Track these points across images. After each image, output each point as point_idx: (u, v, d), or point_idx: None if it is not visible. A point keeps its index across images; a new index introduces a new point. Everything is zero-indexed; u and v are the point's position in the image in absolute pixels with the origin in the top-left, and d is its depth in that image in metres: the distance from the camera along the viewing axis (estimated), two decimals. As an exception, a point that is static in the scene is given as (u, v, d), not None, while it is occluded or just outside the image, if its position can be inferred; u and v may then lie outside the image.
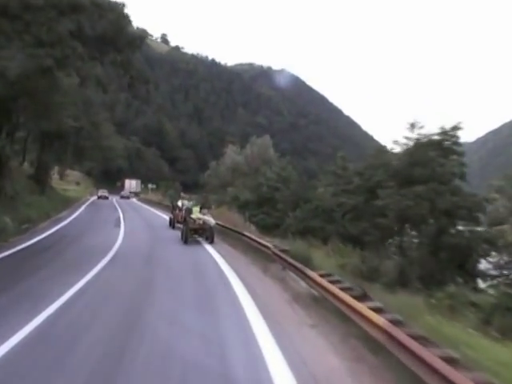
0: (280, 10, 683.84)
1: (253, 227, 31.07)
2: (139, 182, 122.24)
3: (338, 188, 38.70)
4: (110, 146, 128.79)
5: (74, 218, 37.98)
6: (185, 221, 24.26)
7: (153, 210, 53.04)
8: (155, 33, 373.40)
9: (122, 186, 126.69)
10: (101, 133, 57.53)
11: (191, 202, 28.31)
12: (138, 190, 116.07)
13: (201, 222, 23.36)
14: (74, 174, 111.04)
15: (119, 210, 48.25)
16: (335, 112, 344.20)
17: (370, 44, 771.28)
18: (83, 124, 47.39)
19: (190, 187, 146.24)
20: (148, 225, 35.20)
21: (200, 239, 23.60)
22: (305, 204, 38.02)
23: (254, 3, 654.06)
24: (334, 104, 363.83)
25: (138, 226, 33.67)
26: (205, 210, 24.82)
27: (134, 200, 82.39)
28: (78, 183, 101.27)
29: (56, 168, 76.68)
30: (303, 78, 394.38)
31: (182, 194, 41.77)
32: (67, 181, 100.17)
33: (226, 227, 25.29)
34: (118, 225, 32.35)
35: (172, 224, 30.96)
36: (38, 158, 47.75)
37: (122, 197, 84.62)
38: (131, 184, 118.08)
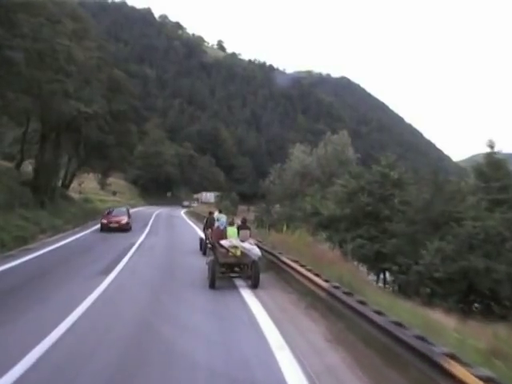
0: (339, 17, 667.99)
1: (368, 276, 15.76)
2: (212, 194, 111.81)
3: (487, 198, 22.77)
4: (158, 152, 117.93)
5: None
6: (213, 249, 15.21)
7: (194, 226, 38.63)
8: (211, 39, 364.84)
9: (174, 196, 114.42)
10: (125, 126, 43.53)
11: (222, 217, 19.21)
12: (212, 200, 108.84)
13: (237, 252, 14.26)
14: (118, 183, 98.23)
15: (147, 228, 34.68)
16: (396, 120, 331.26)
17: (429, 51, 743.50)
18: (100, 110, 33.42)
19: (247, 197, 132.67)
20: (172, 249, 24.06)
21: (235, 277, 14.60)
22: (447, 226, 22.17)
23: (311, 11, 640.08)
24: (395, 112, 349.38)
25: (157, 252, 22.56)
26: (245, 232, 15.39)
27: (182, 212, 68.19)
28: (114, 193, 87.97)
29: (89, 175, 63.10)
30: (363, 85, 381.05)
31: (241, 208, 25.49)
32: (109, 190, 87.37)
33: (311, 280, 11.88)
34: (123, 254, 19.90)
35: (203, 248, 21.53)
36: (36, 158, 34.04)
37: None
38: (206, 196, 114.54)
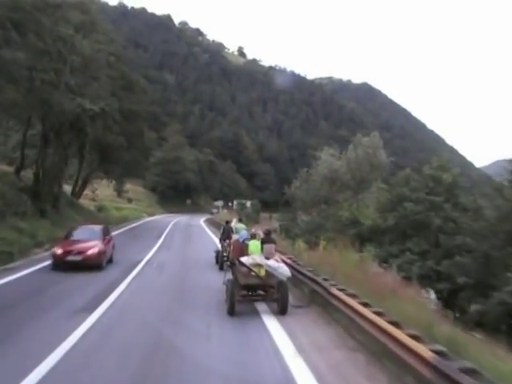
0: (360, 23, 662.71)
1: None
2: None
3: None
4: (178, 157, 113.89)
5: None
6: (231, 266, 12.17)
7: (214, 237, 34.43)
8: (232, 46, 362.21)
9: (194, 204, 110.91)
10: (137, 126, 39.44)
11: (241, 227, 17.97)
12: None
13: (261, 271, 11.58)
14: (135, 190, 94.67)
15: (160, 240, 30.42)
16: (419, 126, 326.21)
17: (450, 57, 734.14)
18: (108, 108, 29.47)
19: (269, 205, 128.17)
20: (185, 266, 20.32)
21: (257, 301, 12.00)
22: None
23: (332, 17, 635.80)
24: (417, 118, 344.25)
25: (167, 271, 18.46)
26: (270, 247, 12.18)
27: (201, 221, 64.11)
28: (129, 200, 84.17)
29: (105, 181, 59.37)
30: (384, 91, 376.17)
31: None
32: (126, 197, 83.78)
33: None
34: (122, 276, 16.08)
35: (219, 262, 18.90)
36: (37, 161, 30.13)
37: None
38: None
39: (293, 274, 12.66)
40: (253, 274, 11.66)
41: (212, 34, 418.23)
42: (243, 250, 12.68)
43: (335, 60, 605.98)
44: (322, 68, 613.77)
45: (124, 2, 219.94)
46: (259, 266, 11.69)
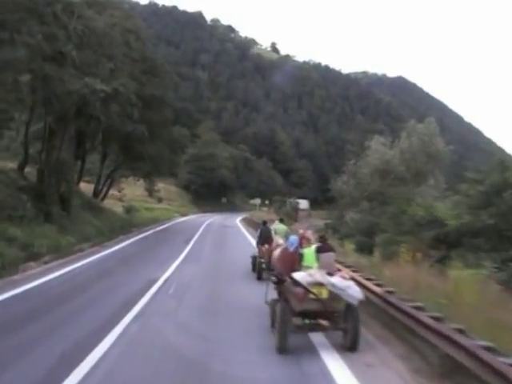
0: (393, 17, 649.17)
1: None
2: (305, 201, 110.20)
3: None
4: (211, 154, 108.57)
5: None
6: (278, 284, 9.45)
7: (252, 240, 28.98)
8: (264, 42, 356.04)
9: (229, 203, 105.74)
10: (160, 114, 33.86)
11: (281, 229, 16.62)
12: (306, 207, 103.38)
13: (323, 293, 8.69)
14: (168, 190, 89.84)
15: (188, 247, 24.72)
16: (456, 119, 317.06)
17: (484, 47, 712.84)
18: (123, 88, 24.13)
19: (316, 204, 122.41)
20: (217, 284, 15.56)
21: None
22: None
23: (363, 11, 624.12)
24: (454, 110, 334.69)
25: (192, 294, 13.57)
26: (328, 257, 9.44)
27: (237, 221, 58.69)
28: (159, 200, 79.03)
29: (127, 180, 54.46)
30: (420, 84, 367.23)
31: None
32: (157, 197, 78.94)
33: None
34: (124, 309, 10.86)
35: (257, 270, 16.06)
36: (40, 155, 25.03)
37: None
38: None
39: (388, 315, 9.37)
40: (312, 296, 8.59)
41: (244, 31, 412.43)
42: (295, 261, 9.43)
43: (369, 54, 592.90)
44: (357, 63, 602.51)
45: (155, 0, 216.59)
46: (320, 285, 8.58)
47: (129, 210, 54.17)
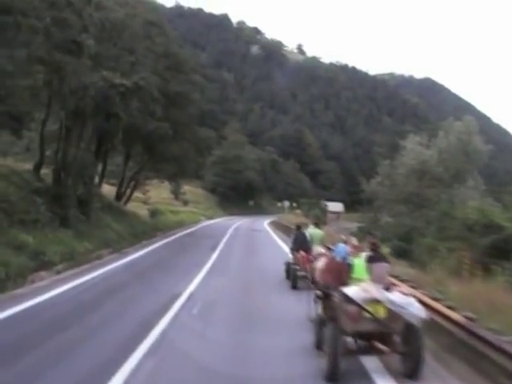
0: (420, 18, 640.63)
1: None
2: (339, 204, 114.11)
3: None
4: (238, 156, 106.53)
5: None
6: (324, 299, 8.35)
7: (284, 245, 26.89)
8: (290, 44, 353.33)
9: (256, 205, 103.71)
10: (185, 112, 31.86)
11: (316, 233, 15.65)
12: (340, 210, 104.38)
13: (380, 311, 7.28)
14: (194, 192, 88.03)
15: (215, 254, 22.35)
16: (484, 120, 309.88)
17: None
18: (144, 83, 22.21)
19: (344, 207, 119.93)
20: (250, 285, 15.44)
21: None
22: None
23: (389, 11, 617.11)
24: (482, 112, 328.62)
25: (221, 315, 11.26)
26: (381, 268, 7.93)
27: (266, 224, 56.52)
28: (185, 202, 77.14)
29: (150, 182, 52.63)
30: (448, 85, 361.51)
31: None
32: (183, 200, 77.20)
33: None
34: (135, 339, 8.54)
35: (292, 278, 14.85)
36: (56, 155, 23.13)
37: None
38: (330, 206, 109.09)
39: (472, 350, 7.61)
40: (367, 315, 7.29)
41: (270, 33, 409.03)
42: (343, 273, 8.25)
43: (396, 55, 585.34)
44: (383, 64, 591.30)
45: (180, 2, 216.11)
46: (377, 302, 7.32)
47: (154, 213, 52.44)
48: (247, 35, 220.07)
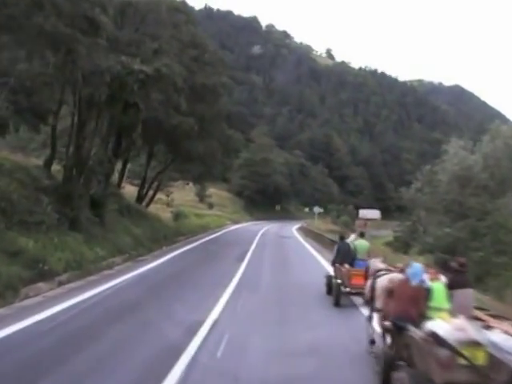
0: (451, 26, 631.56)
1: None
2: (376, 211, 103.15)
3: None
4: (266, 159, 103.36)
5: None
6: (396, 334, 6.91)
7: (316, 253, 24.12)
8: (319, 48, 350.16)
9: (283, 210, 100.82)
10: (212, 107, 28.98)
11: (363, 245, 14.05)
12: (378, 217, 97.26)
13: (479, 356, 5.50)
14: (219, 195, 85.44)
15: (242, 266, 19.13)
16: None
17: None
18: (167, 70, 19.47)
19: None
20: (287, 307, 12.82)
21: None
22: None
23: (419, 18, 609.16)
24: None
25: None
26: (466, 294, 7.06)
27: (294, 230, 53.56)
28: (210, 206, 74.34)
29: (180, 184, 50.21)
30: (477, 93, 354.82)
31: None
32: (208, 203, 74.63)
33: None
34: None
35: (335, 294, 13.30)
36: (67, 150, 20.30)
37: None
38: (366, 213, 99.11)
39: None
40: (462, 361, 5.52)
41: (299, 37, 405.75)
42: (419, 300, 6.73)
43: (425, 62, 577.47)
44: (412, 70, 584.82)
45: (210, 5, 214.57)
46: (475, 344, 5.56)
47: (177, 216, 50.01)
48: (276, 38, 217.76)
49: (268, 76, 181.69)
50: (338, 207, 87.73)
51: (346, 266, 13.27)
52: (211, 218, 58.43)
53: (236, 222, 63.39)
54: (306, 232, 46.57)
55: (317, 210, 58.92)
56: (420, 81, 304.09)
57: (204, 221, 53.01)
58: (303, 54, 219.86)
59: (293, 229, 57.96)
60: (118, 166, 30.41)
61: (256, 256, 23.49)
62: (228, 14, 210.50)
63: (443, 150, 40.83)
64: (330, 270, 15.75)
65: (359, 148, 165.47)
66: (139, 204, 35.44)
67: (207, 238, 33.57)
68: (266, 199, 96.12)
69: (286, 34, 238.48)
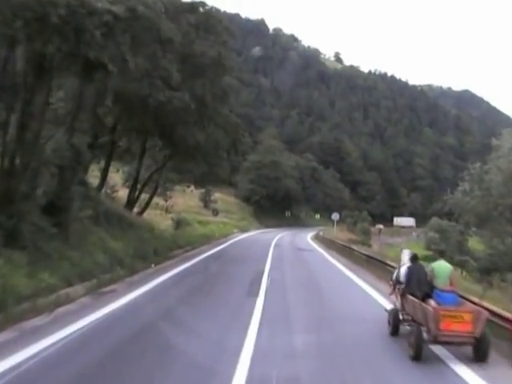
0: (459, 30, 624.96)
1: None
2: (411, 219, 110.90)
3: None
4: (275, 162, 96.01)
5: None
6: None
7: (345, 269, 17.71)
8: (328, 52, 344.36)
9: (293, 216, 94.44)
10: (214, 82, 21.69)
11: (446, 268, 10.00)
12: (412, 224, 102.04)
13: None
14: (226, 201, 78.92)
15: (258, 300, 12.14)
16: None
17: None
18: (144, 8, 12.98)
19: (376, 218, 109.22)
20: None
21: None
22: None
23: (427, 23, 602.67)
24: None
25: None
26: None
27: (310, 240, 46.90)
28: (215, 212, 67.18)
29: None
30: (487, 98, 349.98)
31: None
32: (213, 209, 68.02)
33: None
34: None
35: (415, 343, 8.48)
36: (5, 127, 14.04)
37: None
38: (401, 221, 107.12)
39: None
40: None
41: (307, 40, 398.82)
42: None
43: (434, 67, 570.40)
44: (421, 75, 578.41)
45: (217, 7, 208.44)
46: None
47: (178, 223, 43.59)
48: (284, 41, 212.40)
49: (276, 79, 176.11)
50: (353, 213, 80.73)
51: (432, 302, 9.13)
52: (216, 226, 51.88)
53: (244, 230, 56.64)
54: (326, 243, 39.82)
55: (335, 216, 52.10)
56: (429, 85, 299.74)
57: (208, 229, 46.51)
58: (311, 57, 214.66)
59: (308, 238, 51.20)
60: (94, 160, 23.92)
61: (275, 282, 16.57)
62: (235, 17, 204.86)
63: (493, 145, 33.70)
64: (381, 299, 12.47)
65: (370, 152, 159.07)
66: (129, 210, 29.02)
67: (209, 252, 26.74)
68: (275, 205, 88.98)
69: (293, 38, 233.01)
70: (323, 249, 35.04)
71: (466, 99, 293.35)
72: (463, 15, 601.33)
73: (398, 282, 10.59)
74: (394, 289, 10.84)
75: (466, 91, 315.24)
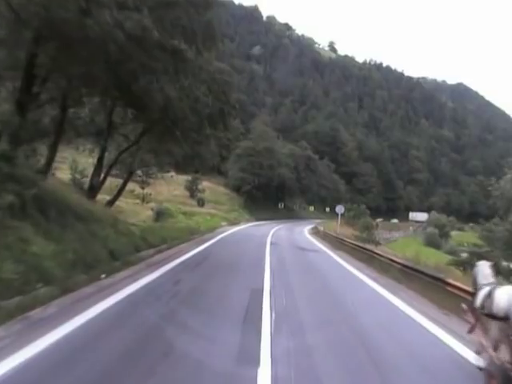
0: (453, 23, 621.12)
1: None
2: (425, 214, 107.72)
3: None
4: (269, 149, 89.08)
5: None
6: None
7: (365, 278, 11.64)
8: (322, 41, 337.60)
9: (286, 208, 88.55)
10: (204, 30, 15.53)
11: None
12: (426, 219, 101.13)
13: None
14: (215, 190, 72.67)
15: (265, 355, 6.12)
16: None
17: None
18: None
19: (372, 211, 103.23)
20: None
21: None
22: None
23: (421, 14, 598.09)
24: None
25: None
26: None
27: (309, 235, 40.86)
28: (200, 202, 60.46)
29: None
30: (481, 92, 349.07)
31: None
32: (199, 198, 61.69)
33: None
34: None
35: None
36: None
37: None
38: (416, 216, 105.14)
39: None
40: None
41: (301, 29, 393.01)
42: None
43: (429, 59, 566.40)
44: (416, 67, 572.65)
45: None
46: None
47: (159, 215, 37.61)
48: (277, 30, 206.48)
49: (269, 66, 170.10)
50: (352, 206, 74.54)
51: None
52: (202, 218, 45.65)
53: (233, 223, 50.28)
54: (330, 240, 33.69)
55: (339, 209, 45.79)
56: (424, 78, 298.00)
57: (193, 221, 40.35)
58: (305, 46, 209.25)
59: (306, 233, 45.16)
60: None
61: (284, 318, 9.86)
62: (228, 3, 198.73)
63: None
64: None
65: (366, 143, 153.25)
66: (92, 198, 22.66)
67: (188, 255, 20.06)
68: (267, 196, 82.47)
69: (287, 26, 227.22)
70: (329, 249, 28.72)
71: (461, 92, 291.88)
72: (457, 9, 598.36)
73: (488, 313, 6.26)
74: (476, 324, 6.90)
75: (460, 84, 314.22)
